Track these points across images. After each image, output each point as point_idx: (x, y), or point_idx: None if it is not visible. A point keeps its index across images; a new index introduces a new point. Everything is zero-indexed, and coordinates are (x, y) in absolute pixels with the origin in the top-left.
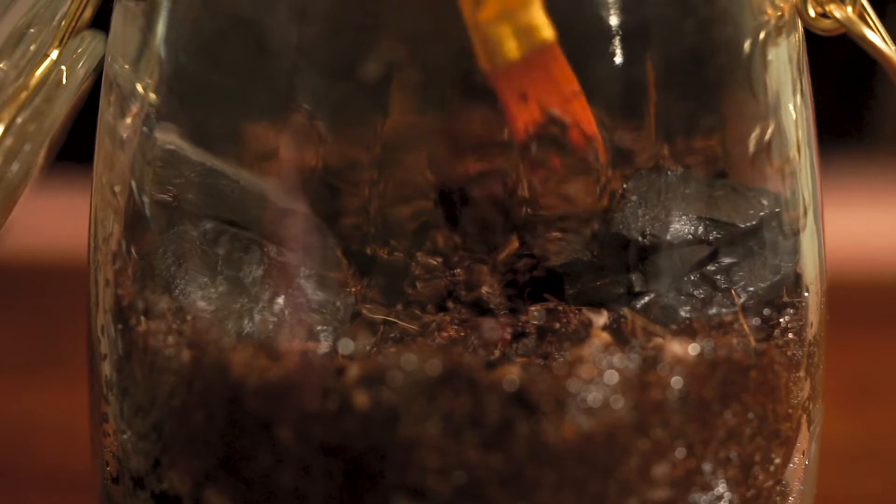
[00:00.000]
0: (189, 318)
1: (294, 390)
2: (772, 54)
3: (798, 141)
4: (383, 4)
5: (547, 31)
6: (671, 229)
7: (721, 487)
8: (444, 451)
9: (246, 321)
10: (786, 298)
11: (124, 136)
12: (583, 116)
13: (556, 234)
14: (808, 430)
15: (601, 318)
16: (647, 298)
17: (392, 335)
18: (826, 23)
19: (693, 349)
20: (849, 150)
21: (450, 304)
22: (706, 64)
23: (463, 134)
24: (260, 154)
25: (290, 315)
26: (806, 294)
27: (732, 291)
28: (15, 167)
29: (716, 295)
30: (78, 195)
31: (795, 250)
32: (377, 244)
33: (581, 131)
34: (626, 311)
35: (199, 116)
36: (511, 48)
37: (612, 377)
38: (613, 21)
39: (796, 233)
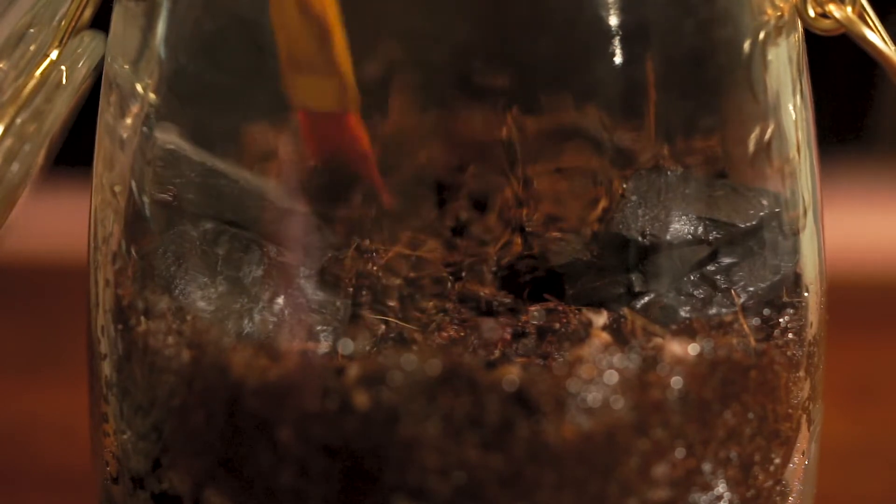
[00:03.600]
0: (189, 318)
1: (294, 390)
2: (772, 54)
3: (798, 141)
4: (383, 4)
5: (336, 99)
6: (671, 229)
7: (721, 487)
8: (444, 452)
9: (246, 321)
10: (786, 298)
11: (124, 136)
12: (369, 174)
13: (556, 234)
14: (808, 430)
15: (601, 318)
16: (647, 298)
17: (392, 335)
18: (826, 23)
19: (693, 349)
20: (849, 150)
21: (450, 305)
22: (706, 64)
23: (463, 134)
24: (260, 154)
25: (289, 315)
26: (806, 294)
27: (732, 291)
28: (15, 167)
29: (716, 295)
30: (78, 195)
31: (795, 250)
32: (377, 244)
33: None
34: (626, 311)
35: (199, 116)
36: (303, 97)
37: (611, 377)
38: (613, 21)
39: (796, 233)
